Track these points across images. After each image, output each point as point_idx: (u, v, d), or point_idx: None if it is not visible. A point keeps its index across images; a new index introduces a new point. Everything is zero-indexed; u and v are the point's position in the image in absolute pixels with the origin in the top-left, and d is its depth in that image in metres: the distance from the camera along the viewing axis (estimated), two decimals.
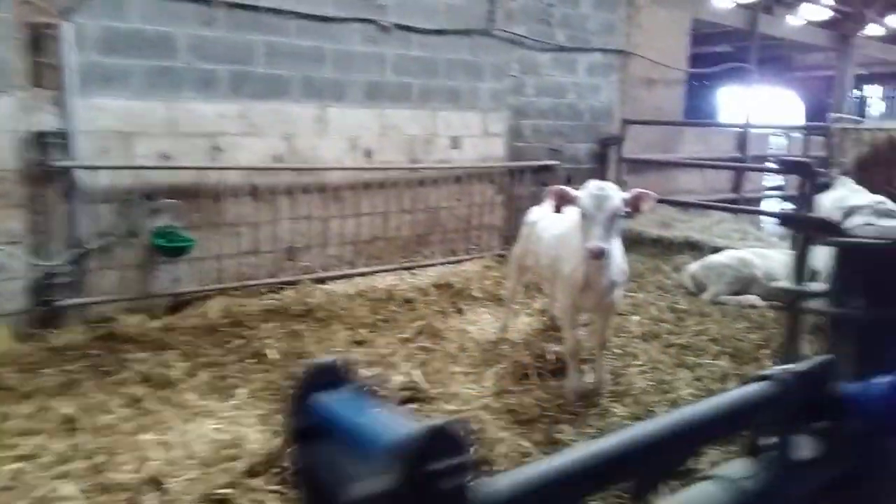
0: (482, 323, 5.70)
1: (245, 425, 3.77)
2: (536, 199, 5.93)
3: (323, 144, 6.44)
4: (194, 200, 5.73)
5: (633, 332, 5.41)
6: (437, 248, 7.48)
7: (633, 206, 3.89)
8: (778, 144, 14.01)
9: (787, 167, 4.42)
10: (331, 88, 6.40)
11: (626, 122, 9.07)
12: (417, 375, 4.50)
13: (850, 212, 3.57)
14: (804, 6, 13.48)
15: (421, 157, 7.24)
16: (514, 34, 7.78)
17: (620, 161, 9.15)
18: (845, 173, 6.42)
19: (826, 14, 14.20)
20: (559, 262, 4.22)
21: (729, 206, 10.11)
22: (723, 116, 20.30)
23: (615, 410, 4.10)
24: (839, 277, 2.81)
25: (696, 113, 12.71)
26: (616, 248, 4.05)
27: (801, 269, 3.13)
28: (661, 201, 9.49)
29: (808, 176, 3.94)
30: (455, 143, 7.52)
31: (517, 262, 5.17)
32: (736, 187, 11.71)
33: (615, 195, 3.78)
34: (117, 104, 5.27)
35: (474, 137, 7.70)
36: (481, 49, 7.53)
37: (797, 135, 12.49)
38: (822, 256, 3.37)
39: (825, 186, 4.38)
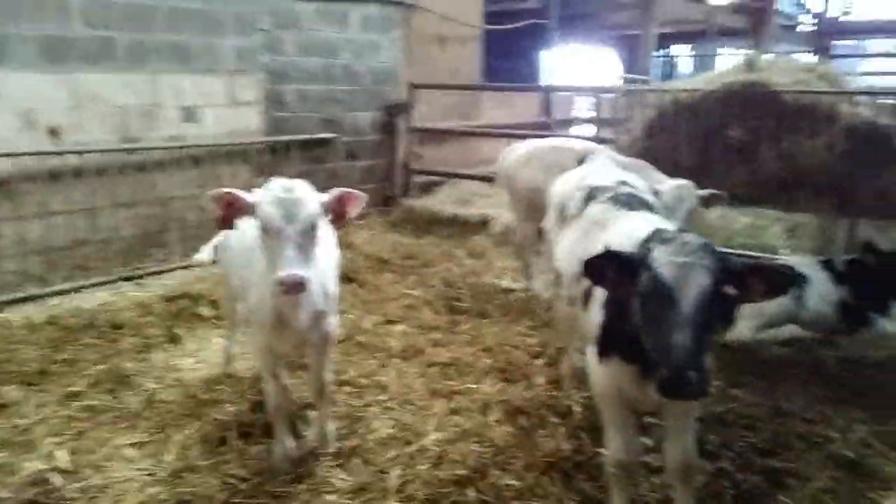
0: (207, 353, 4.42)
1: None
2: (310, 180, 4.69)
3: None
4: None
5: (391, 350, 4.39)
6: (176, 249, 5.99)
7: (337, 212, 2.79)
8: (587, 105, 13.77)
9: None
10: None
11: (414, 87, 7.99)
12: (63, 458, 3.17)
13: (590, 195, 2.76)
14: None
15: (139, 135, 5.66)
16: None
17: (410, 131, 8.10)
18: (634, 140, 5.83)
19: None
20: (247, 288, 3.01)
21: None
22: (547, 78, 19.94)
23: (333, 482, 3.02)
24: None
25: (517, 75, 12.09)
26: (324, 264, 2.93)
27: None
28: (456, 175, 8.75)
29: None
30: (190, 114, 6.00)
31: (224, 279, 3.88)
32: None
33: (310, 199, 2.63)
34: None
35: (217, 107, 6.22)
36: None
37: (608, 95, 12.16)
38: None
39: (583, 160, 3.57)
